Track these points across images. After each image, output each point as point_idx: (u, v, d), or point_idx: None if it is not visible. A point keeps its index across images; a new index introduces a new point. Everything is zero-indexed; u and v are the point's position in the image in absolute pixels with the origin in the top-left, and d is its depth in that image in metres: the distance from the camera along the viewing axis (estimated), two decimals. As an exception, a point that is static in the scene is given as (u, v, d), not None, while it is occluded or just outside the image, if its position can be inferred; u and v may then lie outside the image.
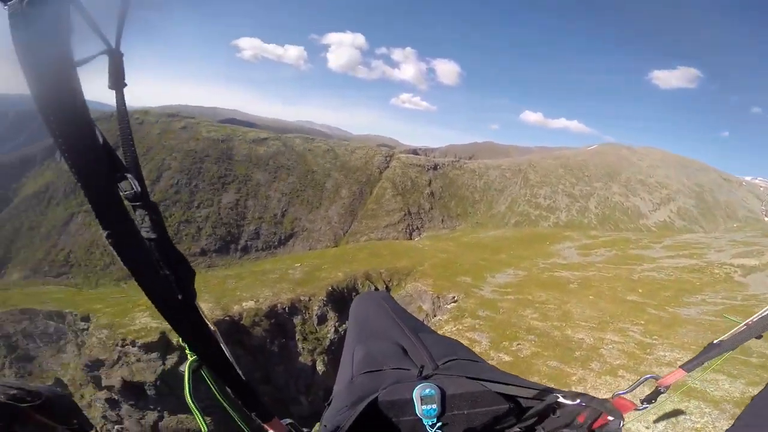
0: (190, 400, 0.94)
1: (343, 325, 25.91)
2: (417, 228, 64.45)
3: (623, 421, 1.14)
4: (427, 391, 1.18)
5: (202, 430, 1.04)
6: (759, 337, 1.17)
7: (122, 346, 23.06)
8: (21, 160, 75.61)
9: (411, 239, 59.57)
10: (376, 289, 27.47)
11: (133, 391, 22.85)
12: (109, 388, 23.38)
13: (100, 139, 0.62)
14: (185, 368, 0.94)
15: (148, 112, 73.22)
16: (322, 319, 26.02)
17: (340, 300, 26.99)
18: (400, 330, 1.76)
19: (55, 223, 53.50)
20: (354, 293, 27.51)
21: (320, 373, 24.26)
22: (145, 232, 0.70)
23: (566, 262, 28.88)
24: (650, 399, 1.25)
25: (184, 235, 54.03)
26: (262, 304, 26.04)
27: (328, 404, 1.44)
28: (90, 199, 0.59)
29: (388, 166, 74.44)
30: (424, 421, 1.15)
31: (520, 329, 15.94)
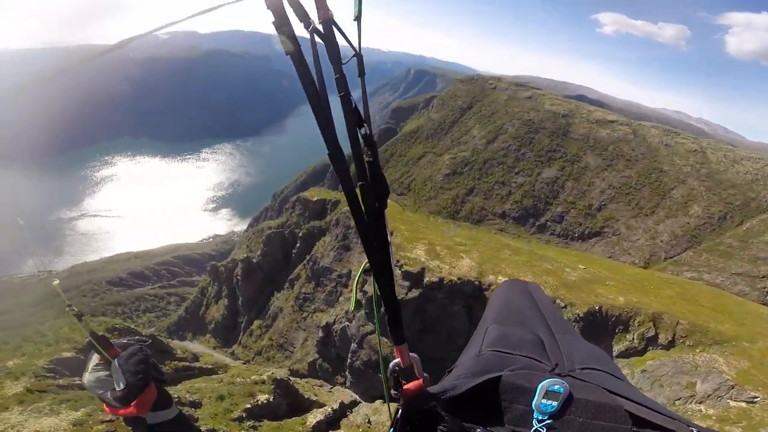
0: (356, 287, 1.26)
1: None
2: None
3: None
4: (556, 387, 1.10)
5: (350, 308, 1.34)
6: None
7: (394, 265, 27.76)
8: (411, 106, 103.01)
9: (766, 305, 37.81)
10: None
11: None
12: (364, 292, 28.75)
13: (353, 104, 0.99)
14: (359, 270, 1.22)
15: (500, 79, 79.77)
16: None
17: (597, 326, 21.35)
18: (543, 322, 1.67)
19: (413, 157, 70.40)
20: (620, 329, 20.74)
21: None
22: (367, 156, 1.04)
23: None
24: None
25: (494, 194, 57.74)
26: None
27: (449, 371, 1.41)
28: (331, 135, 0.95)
29: (796, 194, 48.05)
30: (536, 415, 1.07)
31: None
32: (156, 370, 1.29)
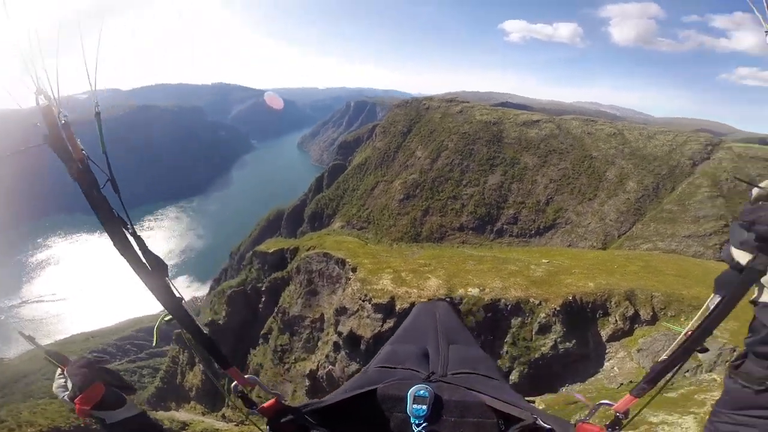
0: (155, 331, 1.41)
1: (566, 343, 20.92)
2: None
3: None
4: (421, 392, 1.26)
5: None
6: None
7: (362, 300, 27.13)
8: (356, 139, 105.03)
9: (723, 261, 40.92)
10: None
11: (353, 341, 26.53)
12: (339, 333, 28.17)
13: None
14: (158, 321, 1.35)
15: (432, 98, 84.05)
16: (545, 329, 21.89)
17: (576, 315, 21.93)
18: (434, 337, 1.84)
19: (366, 189, 71.00)
20: (600, 313, 21.44)
21: (511, 383, 20.61)
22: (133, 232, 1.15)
23: None
24: (614, 425, 1.23)
25: (449, 210, 59.26)
26: (487, 294, 24.29)
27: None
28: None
29: (708, 158, 53.88)
30: (412, 420, 1.22)
31: None
32: (109, 374, 1.38)
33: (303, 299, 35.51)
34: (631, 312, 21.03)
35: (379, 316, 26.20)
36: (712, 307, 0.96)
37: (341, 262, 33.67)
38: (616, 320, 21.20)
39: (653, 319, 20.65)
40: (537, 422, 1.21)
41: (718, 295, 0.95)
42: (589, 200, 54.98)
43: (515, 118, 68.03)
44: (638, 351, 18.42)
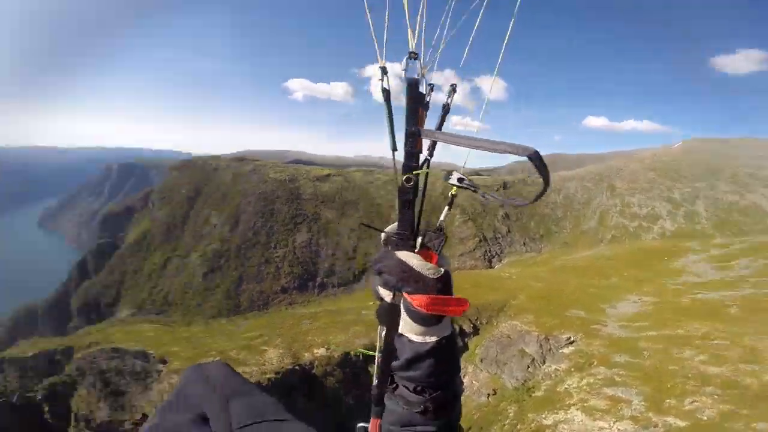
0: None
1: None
2: (496, 254, 59.98)
3: None
4: None
5: None
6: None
7: None
8: (126, 209, 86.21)
9: (492, 267, 55.34)
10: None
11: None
12: None
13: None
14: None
15: (219, 158, 79.79)
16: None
17: None
18: (209, 398, 1.65)
19: (154, 267, 58.64)
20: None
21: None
22: None
23: (702, 279, 23.60)
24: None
25: (265, 275, 55.87)
26: (335, 351, 24.43)
27: None
28: None
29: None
30: None
31: (687, 379, 12.17)
32: None
33: (108, 401, 26.93)
34: (457, 328, 24.56)
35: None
36: (383, 335, 1.09)
37: (142, 355, 26.97)
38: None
39: (476, 330, 24.44)
40: None
41: (382, 326, 1.08)
42: (386, 240, 63.28)
43: (308, 174, 72.05)
44: (482, 361, 20.97)
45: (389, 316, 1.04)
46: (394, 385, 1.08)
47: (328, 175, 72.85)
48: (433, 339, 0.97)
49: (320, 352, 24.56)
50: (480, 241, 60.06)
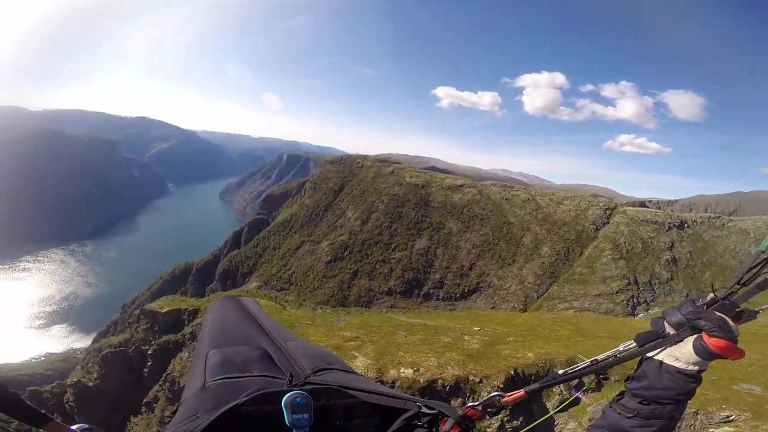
0: None
1: (514, 422, 19.36)
2: (645, 302, 48.61)
3: (474, 427, 1.27)
4: (298, 399, 1.15)
5: None
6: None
7: None
8: (283, 193, 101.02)
9: (634, 315, 45.03)
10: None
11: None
12: None
13: None
14: None
15: (366, 157, 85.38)
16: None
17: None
18: (264, 335, 1.63)
19: (289, 248, 66.76)
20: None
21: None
22: None
23: None
24: (494, 411, 1.33)
25: (378, 274, 57.51)
26: (422, 375, 22.08)
27: (175, 411, 1.45)
28: None
29: (608, 222, 60.64)
30: (295, 431, 1.11)
31: None
32: None
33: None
34: (575, 380, 19.96)
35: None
36: (622, 349, 1.25)
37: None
38: (561, 390, 20.10)
39: (598, 386, 19.84)
40: (422, 410, 1.22)
41: (634, 342, 1.23)
42: (509, 265, 57.48)
43: (441, 182, 71.12)
44: (589, 420, 16.98)
45: (656, 342, 1.18)
46: (619, 397, 1.24)
47: (462, 186, 70.46)
48: (697, 368, 1.11)
49: (407, 372, 22.89)
50: (628, 283, 49.29)
